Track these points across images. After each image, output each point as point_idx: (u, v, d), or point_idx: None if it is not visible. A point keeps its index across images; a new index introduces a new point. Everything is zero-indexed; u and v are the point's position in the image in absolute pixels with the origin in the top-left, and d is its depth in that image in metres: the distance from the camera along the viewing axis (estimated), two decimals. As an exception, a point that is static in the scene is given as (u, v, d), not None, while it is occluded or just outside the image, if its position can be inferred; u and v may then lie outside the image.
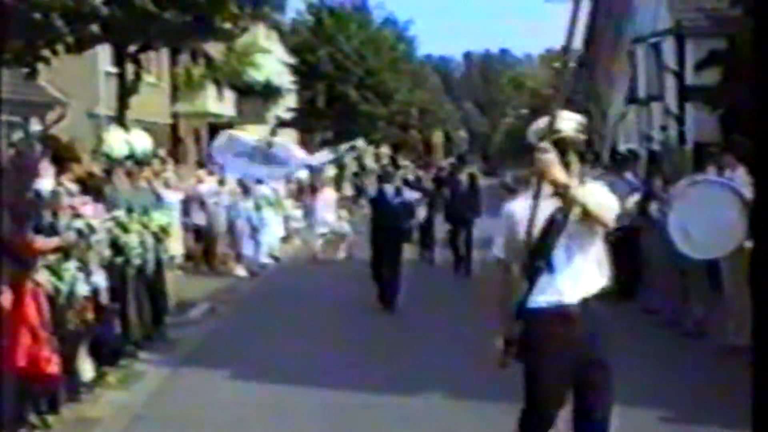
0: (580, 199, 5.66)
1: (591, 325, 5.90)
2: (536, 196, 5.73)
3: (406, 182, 18.44)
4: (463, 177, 20.74)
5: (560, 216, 5.74)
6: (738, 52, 23.99)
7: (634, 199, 14.81)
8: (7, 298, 7.94)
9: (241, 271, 20.05)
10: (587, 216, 5.68)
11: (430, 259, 22.12)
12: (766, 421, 4.89)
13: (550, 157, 5.65)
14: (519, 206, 5.97)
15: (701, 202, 11.35)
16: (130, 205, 12.13)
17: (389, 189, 16.20)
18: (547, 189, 5.68)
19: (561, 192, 5.62)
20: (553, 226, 5.76)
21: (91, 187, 11.21)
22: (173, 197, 17.84)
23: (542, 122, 5.98)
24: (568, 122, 5.92)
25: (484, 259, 19.35)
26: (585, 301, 5.84)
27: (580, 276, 5.84)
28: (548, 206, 5.72)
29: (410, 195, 17.07)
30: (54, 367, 8.40)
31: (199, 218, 20.42)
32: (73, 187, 10.54)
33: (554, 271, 5.79)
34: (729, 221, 10.70)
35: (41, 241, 8.78)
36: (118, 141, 14.03)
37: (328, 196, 25.08)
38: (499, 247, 6.09)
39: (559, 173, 5.64)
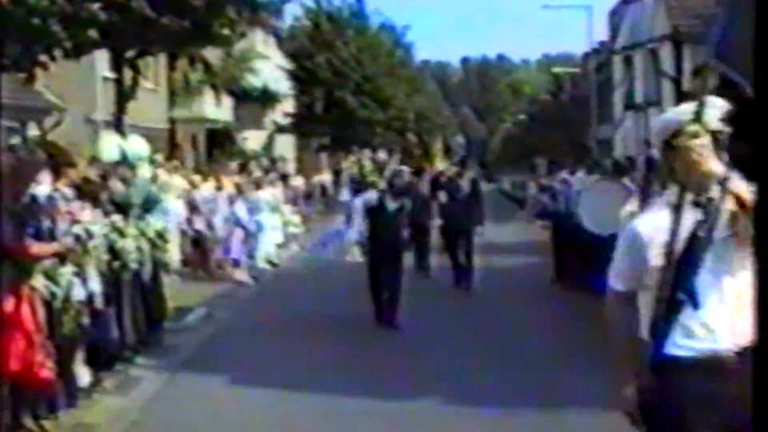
0: (744, 195, 4.41)
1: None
2: (678, 207, 4.43)
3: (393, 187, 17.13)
4: (464, 182, 18.92)
5: (703, 232, 4.43)
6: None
7: (631, 205, 14.84)
8: (9, 303, 7.94)
9: (243, 276, 19.95)
10: (748, 217, 4.38)
11: (426, 267, 20.59)
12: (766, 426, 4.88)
13: (706, 143, 4.49)
14: (647, 223, 4.64)
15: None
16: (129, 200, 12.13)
17: (390, 200, 14.92)
18: (688, 197, 4.46)
19: (720, 185, 4.41)
20: (696, 246, 4.42)
21: (86, 193, 11.21)
22: (172, 204, 17.83)
23: (673, 113, 4.81)
24: (715, 110, 4.66)
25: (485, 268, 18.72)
26: (744, 349, 4.40)
27: (734, 313, 4.46)
28: (687, 221, 4.43)
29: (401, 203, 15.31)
30: (47, 372, 8.39)
31: (197, 223, 20.41)
32: (69, 192, 10.54)
33: (700, 306, 4.46)
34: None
35: (38, 247, 8.78)
36: (109, 145, 14.03)
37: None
38: (619, 277, 4.75)
39: (715, 163, 4.48)
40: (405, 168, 19.63)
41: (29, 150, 12.02)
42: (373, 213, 14.93)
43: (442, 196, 19.06)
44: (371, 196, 15.18)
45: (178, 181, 20.32)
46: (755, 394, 4.81)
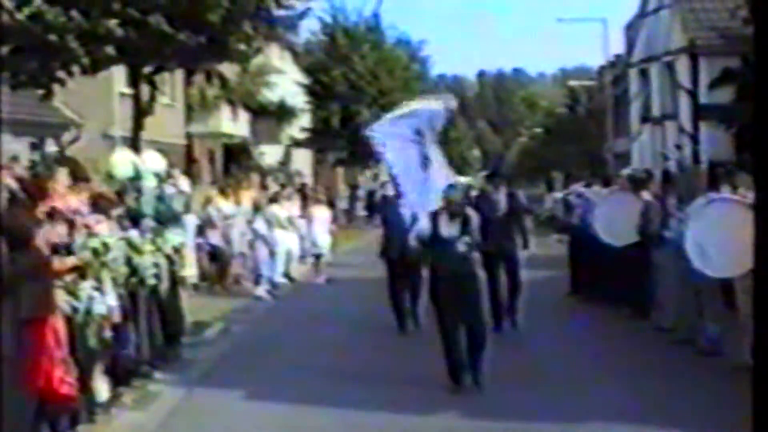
0: None
1: None
2: None
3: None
4: (500, 196, 15.34)
5: None
6: (752, 70, 23.98)
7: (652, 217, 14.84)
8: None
9: (261, 292, 19.94)
10: None
11: (415, 313, 15.47)
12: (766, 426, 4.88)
13: None
14: None
15: (718, 221, 11.42)
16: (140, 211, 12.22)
17: (445, 220, 11.28)
18: None
19: None
20: None
21: (100, 207, 11.25)
22: (189, 219, 17.86)
23: None
24: None
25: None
26: None
27: None
28: None
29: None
30: (68, 387, 8.41)
31: (214, 238, 20.46)
32: (84, 208, 10.59)
33: None
34: (745, 240, 10.68)
35: (59, 262, 8.83)
36: (122, 162, 14.07)
37: (321, 214, 24.09)
38: None
39: None
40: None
41: (47, 167, 12.07)
42: (431, 240, 11.57)
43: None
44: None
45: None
46: (755, 394, 4.82)
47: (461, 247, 11.13)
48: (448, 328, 11.23)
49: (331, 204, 47.07)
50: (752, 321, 10.92)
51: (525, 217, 16.05)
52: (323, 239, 23.38)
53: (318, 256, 23.35)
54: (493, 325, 13.89)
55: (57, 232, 8.52)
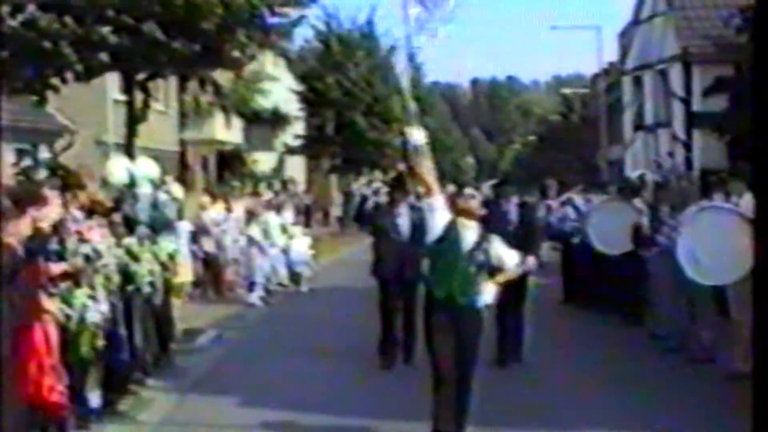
0: None
1: None
2: None
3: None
4: (511, 206, 13.15)
5: None
6: (745, 78, 24.05)
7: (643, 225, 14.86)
8: (21, 328, 7.95)
9: (255, 299, 19.93)
10: None
11: (409, 345, 13.24)
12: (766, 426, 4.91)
13: None
14: None
15: (710, 229, 11.45)
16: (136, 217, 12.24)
17: (468, 232, 8.95)
18: None
19: None
20: None
21: (96, 214, 11.23)
22: (183, 226, 17.85)
23: None
24: None
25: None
26: None
27: None
28: None
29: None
30: (58, 395, 8.39)
31: (208, 245, 20.44)
32: (79, 214, 10.58)
33: None
34: (738, 247, 10.73)
35: (47, 267, 8.80)
36: (118, 168, 14.07)
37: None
38: None
39: None
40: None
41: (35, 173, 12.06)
42: (433, 255, 9.16)
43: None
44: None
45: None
46: (755, 394, 4.84)
47: (471, 268, 8.88)
48: (444, 374, 8.89)
49: (325, 213, 47.35)
50: (745, 328, 10.97)
51: (540, 232, 14.12)
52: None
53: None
54: (497, 359, 12.72)
55: (27, 225, 8.43)
